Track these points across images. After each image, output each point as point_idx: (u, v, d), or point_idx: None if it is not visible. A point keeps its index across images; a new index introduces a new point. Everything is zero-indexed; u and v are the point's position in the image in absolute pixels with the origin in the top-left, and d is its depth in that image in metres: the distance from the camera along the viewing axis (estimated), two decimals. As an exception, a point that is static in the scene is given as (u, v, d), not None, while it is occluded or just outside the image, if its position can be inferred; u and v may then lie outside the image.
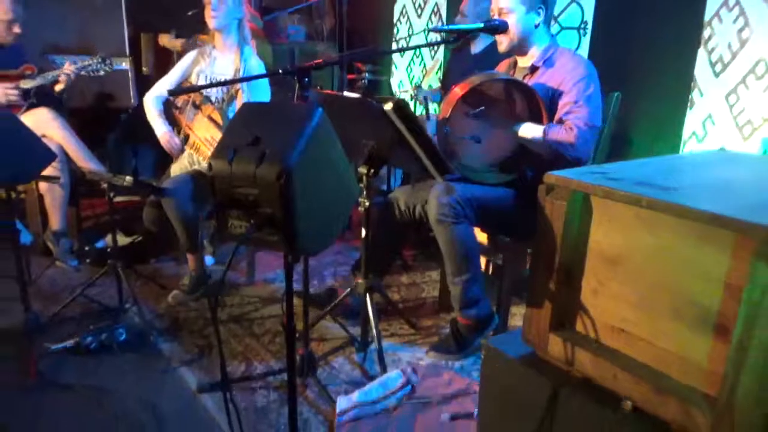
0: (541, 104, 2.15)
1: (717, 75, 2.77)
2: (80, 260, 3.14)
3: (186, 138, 2.88)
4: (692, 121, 2.89)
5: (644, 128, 3.09)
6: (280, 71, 1.81)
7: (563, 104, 2.20)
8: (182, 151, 2.89)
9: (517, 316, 2.64)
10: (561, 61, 2.28)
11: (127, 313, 2.61)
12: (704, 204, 0.95)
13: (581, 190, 1.11)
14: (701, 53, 2.81)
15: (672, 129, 2.97)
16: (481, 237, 2.44)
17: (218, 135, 2.68)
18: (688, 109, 2.89)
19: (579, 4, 3.33)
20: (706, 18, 2.77)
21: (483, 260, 2.48)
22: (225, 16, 2.78)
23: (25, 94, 3.04)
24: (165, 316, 2.65)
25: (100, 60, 3.06)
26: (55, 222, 3.12)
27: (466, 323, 2.30)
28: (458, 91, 2.06)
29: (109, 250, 3.09)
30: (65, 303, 2.58)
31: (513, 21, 2.24)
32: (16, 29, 3.02)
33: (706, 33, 2.78)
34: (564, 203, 1.12)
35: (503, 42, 2.31)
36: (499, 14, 2.28)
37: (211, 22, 2.79)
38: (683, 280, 0.99)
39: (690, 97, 2.87)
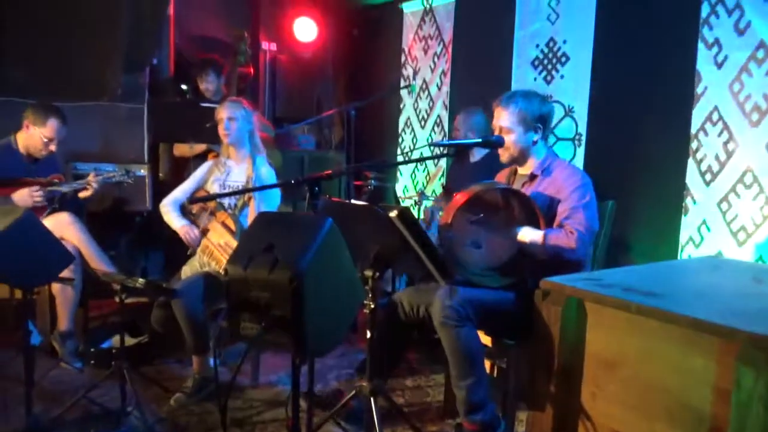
0: (538, 211, 2.26)
1: (708, 184, 2.90)
2: (85, 362, 3.14)
3: (199, 242, 2.98)
4: (688, 227, 2.99)
5: (642, 235, 3.19)
6: (293, 181, 1.93)
7: (562, 210, 2.32)
8: (200, 243, 2.97)
9: (524, 421, 2.59)
10: (558, 170, 2.42)
11: (129, 417, 2.58)
12: (689, 309, 1.01)
13: (575, 296, 1.17)
14: (691, 163, 2.96)
15: (669, 235, 3.06)
16: (486, 339, 2.46)
17: (231, 240, 2.78)
18: (683, 216, 3.00)
19: (572, 118, 3.55)
20: (693, 131, 2.95)
21: (487, 363, 2.48)
22: (237, 132, 3.00)
23: (50, 200, 3.19)
24: (167, 420, 2.62)
25: (123, 172, 3.26)
26: (64, 323, 3.15)
27: (472, 429, 2.26)
28: (459, 198, 2.18)
29: (114, 351, 3.11)
30: (67, 406, 2.56)
31: (512, 139, 2.41)
32: (52, 147, 3.23)
33: (693, 145, 2.95)
34: (559, 308, 1.18)
35: (504, 155, 2.47)
36: (500, 131, 2.45)
37: (225, 139, 3.00)
38: (675, 383, 1.03)
39: (684, 204, 2.99)
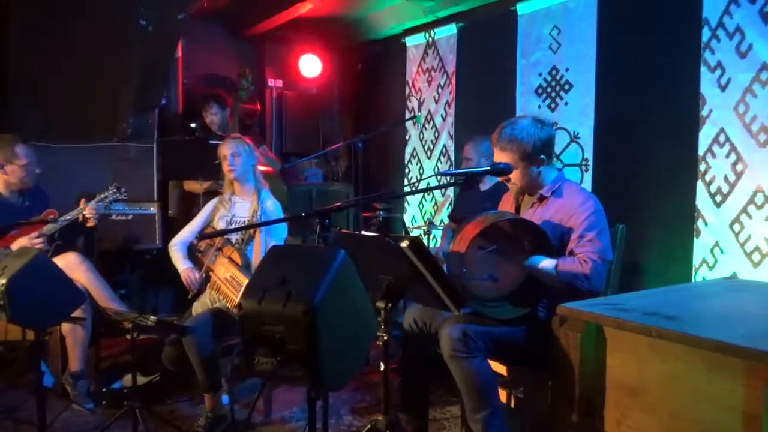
0: (549, 239, 2.22)
1: (718, 206, 2.88)
2: (96, 402, 3.11)
3: (208, 278, 2.98)
4: (700, 249, 2.95)
5: (655, 258, 3.16)
6: (303, 214, 1.94)
7: (575, 237, 2.25)
8: (200, 288, 2.97)
9: (543, 453, 2.53)
10: (569, 193, 2.36)
11: (141, 458, 2.54)
12: (713, 333, 0.99)
13: (593, 321, 1.15)
14: (700, 186, 2.94)
15: (682, 258, 3.03)
16: (500, 369, 2.42)
17: (237, 274, 2.78)
18: (695, 238, 2.96)
19: (578, 144, 3.56)
20: (700, 153, 2.94)
21: (504, 394, 2.44)
22: (241, 167, 3.04)
23: (50, 238, 3.18)
24: (179, 461, 2.58)
25: (115, 190, 3.22)
26: (75, 363, 3.12)
27: (490, 462, 2.20)
28: (472, 229, 2.15)
29: (126, 390, 3.08)
30: (79, 448, 2.53)
31: (517, 175, 2.36)
32: (37, 170, 3.27)
33: (702, 167, 2.93)
34: (578, 334, 1.16)
35: (513, 188, 2.44)
36: None
37: (230, 174, 3.03)
38: (701, 409, 1.00)
39: (695, 226, 2.96)
